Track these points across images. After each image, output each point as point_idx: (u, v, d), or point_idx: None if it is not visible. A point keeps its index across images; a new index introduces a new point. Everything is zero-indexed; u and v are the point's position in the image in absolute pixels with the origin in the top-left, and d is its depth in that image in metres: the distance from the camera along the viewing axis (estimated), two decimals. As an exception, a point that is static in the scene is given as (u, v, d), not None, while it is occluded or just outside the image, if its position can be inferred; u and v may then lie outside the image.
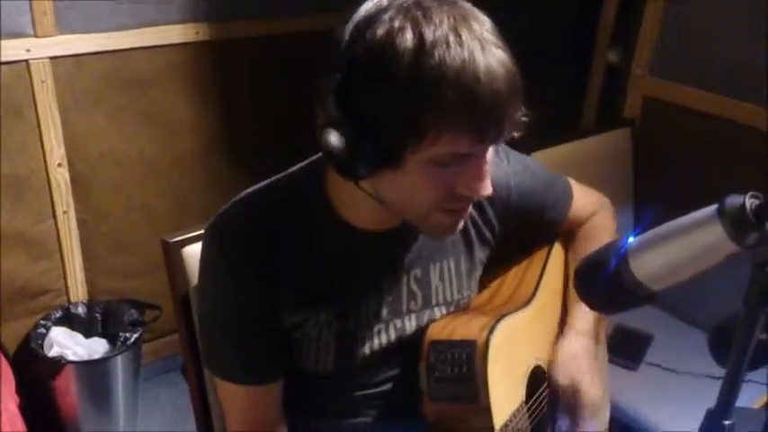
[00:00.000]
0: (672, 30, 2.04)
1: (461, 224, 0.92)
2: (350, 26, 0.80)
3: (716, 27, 1.93)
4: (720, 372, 0.67)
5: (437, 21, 0.77)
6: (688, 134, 2.04)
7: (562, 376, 1.09)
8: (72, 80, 1.98)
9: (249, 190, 0.98)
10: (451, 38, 0.76)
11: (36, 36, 1.88)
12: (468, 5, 0.82)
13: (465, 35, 0.76)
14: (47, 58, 1.91)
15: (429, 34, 0.76)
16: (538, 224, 1.16)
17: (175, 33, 2.11)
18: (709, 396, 0.67)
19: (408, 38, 0.76)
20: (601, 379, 1.13)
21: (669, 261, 0.69)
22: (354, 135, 0.80)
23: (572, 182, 1.20)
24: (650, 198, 2.08)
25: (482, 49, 0.77)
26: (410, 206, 0.87)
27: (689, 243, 0.67)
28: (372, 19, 0.79)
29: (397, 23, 0.77)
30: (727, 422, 0.66)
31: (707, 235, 0.65)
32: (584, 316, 1.15)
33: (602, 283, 0.74)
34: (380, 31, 0.78)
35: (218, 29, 2.18)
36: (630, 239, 0.72)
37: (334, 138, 0.80)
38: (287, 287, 0.94)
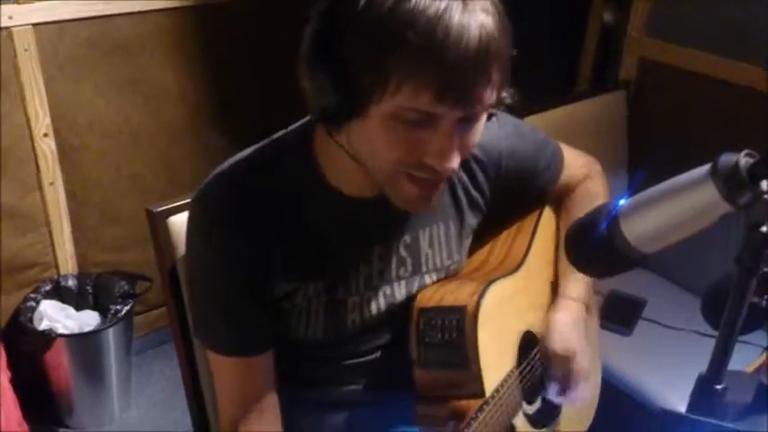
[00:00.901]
0: (669, -12, 2.00)
1: (434, 200, 0.90)
2: None
3: (714, -15, 1.89)
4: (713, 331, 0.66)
5: None
6: (685, 96, 2.00)
7: (556, 344, 1.08)
8: (55, 47, 1.94)
9: (237, 156, 0.96)
10: None
11: (18, 2, 1.83)
12: None
13: None
14: (29, 24, 1.87)
15: None
16: (529, 189, 1.14)
17: (160, -2, 2.06)
18: (703, 359, 0.66)
19: None
20: (591, 349, 1.13)
21: (661, 222, 0.67)
22: (329, 79, 0.79)
23: (563, 146, 1.18)
24: (645, 162, 2.05)
25: (464, 7, 0.75)
26: (377, 164, 0.86)
27: (681, 203, 0.65)
28: None
29: None
30: (719, 386, 0.64)
31: (700, 195, 0.64)
32: (576, 284, 1.13)
33: (592, 246, 0.72)
34: None
35: (203, -7, 2.13)
36: (622, 201, 0.70)
37: (309, 80, 0.80)
38: (275, 255, 0.93)
